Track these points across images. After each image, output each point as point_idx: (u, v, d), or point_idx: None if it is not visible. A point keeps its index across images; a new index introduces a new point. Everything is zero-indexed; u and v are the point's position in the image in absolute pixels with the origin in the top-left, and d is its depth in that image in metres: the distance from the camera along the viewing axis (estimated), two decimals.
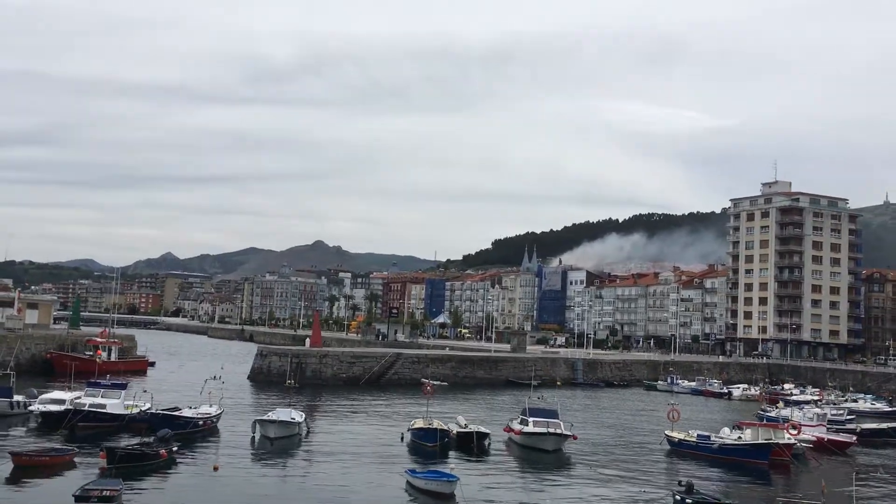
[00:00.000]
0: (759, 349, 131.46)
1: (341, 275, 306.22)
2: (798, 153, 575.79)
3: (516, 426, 41.92)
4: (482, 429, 40.70)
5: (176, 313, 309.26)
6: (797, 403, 64.01)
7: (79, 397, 41.27)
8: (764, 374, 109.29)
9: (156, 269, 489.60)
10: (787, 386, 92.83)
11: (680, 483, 29.77)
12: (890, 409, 72.87)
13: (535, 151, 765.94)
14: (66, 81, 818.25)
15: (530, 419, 41.22)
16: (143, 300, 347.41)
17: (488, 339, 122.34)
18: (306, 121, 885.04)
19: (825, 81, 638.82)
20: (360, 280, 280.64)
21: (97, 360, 63.03)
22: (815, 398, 77.79)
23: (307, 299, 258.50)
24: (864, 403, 75.11)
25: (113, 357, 70.08)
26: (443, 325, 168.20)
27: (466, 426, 41.10)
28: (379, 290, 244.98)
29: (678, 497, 28.31)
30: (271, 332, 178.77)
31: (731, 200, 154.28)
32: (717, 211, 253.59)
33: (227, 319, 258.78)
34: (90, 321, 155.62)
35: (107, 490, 24.91)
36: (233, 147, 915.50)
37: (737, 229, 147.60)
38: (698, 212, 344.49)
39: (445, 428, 39.70)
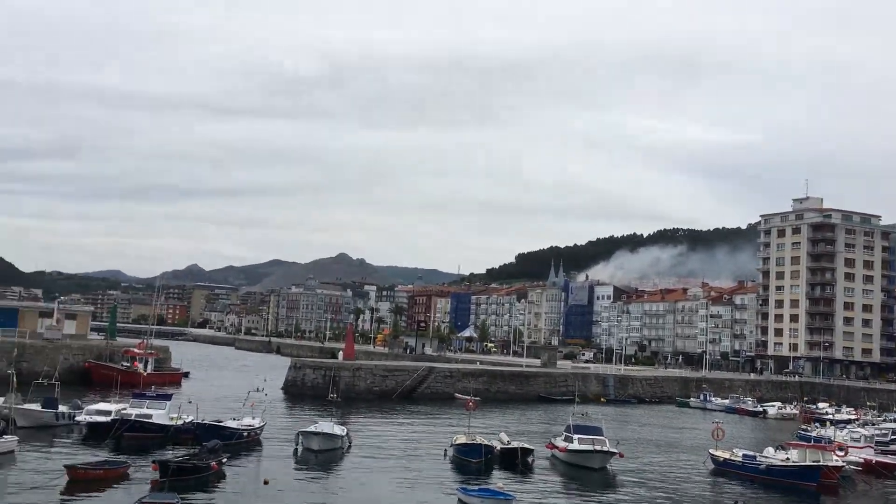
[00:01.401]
0: (791, 367, 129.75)
1: (366, 287, 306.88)
2: (825, 167, 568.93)
3: (560, 443, 41.57)
4: (526, 445, 40.40)
5: (203, 324, 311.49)
6: (838, 423, 62.95)
7: (124, 408, 41.70)
8: (797, 392, 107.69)
9: (182, 280, 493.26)
10: (821, 405, 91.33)
11: (735, 503, 29.41)
12: None
13: (555, 165, 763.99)
14: (91, 93, 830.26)
15: (575, 436, 40.75)
16: (170, 311, 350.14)
17: (515, 354, 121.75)
18: (325, 132, 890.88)
19: (847, 95, 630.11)
20: (385, 293, 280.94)
21: (139, 371, 63.52)
22: (853, 417, 76.52)
23: (333, 312, 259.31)
24: None
25: (150, 368, 70.64)
26: (469, 339, 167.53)
27: (509, 442, 40.87)
28: (404, 303, 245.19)
29: None
30: (298, 344, 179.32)
31: (760, 216, 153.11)
32: (742, 227, 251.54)
33: (253, 331, 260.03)
34: (121, 332, 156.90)
35: None
36: (251, 160, 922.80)
37: (767, 245, 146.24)
38: (723, 227, 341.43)
39: (489, 444, 39.51)
